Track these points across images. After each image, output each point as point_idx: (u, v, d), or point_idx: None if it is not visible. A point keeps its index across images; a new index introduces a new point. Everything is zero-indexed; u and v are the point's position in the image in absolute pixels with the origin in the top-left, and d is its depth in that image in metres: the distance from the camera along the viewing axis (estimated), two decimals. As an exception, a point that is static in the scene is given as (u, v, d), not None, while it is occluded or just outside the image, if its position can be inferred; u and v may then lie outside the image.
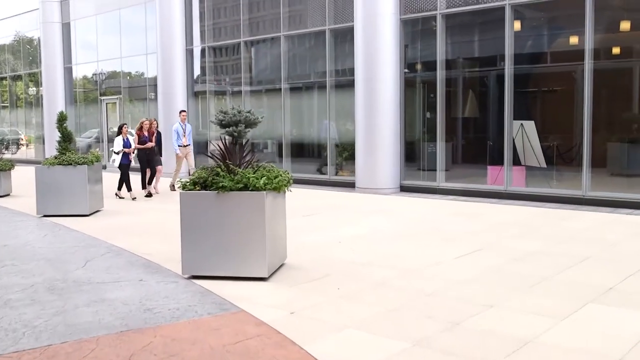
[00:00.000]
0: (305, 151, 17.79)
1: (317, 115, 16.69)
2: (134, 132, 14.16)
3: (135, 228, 9.67)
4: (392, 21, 13.64)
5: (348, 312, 5.21)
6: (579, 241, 8.11)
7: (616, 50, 13.15)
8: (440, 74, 13.41)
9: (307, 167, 16.89)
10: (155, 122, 14.65)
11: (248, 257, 6.24)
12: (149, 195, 13.68)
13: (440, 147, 13.61)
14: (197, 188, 6.32)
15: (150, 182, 13.95)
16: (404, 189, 14.00)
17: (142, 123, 14.04)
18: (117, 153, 13.12)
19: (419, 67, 15.08)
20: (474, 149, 16.35)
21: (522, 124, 12.79)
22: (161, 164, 14.55)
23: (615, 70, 13.11)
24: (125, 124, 13.85)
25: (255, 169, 6.52)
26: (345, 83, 15.51)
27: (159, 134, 14.67)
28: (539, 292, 5.76)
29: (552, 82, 15.59)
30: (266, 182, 6.20)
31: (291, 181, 6.65)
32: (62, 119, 11.08)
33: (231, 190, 6.15)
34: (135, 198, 13.17)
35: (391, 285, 6.03)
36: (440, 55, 13.36)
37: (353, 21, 14.22)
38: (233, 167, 6.34)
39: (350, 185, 14.70)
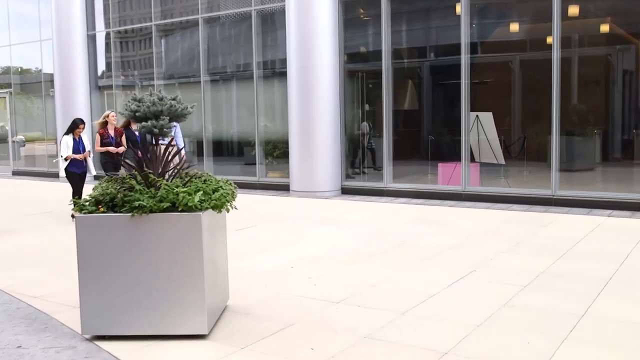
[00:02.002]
0: (228, 150, 15.87)
1: (243, 109, 14.79)
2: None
3: (24, 256, 7.48)
4: (329, 1, 11.93)
5: (340, 397, 3.46)
6: (581, 256, 6.70)
7: (584, 39, 12.17)
8: (386, 62, 11.81)
9: (231, 168, 15.00)
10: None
11: (179, 307, 4.36)
12: None
13: (388, 143, 12.03)
14: (102, 209, 4.38)
15: None
16: (345, 191, 12.36)
17: (107, 117, 10.06)
18: (66, 159, 9.62)
19: (359, 54, 13.52)
20: (412, 144, 15.02)
21: (477, 115, 11.42)
22: None
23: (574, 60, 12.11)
24: (82, 119, 9.97)
25: (186, 179, 4.64)
26: (276, 73, 13.73)
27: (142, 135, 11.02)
28: (588, 339, 4.21)
29: (498, 72, 14.52)
30: (202, 198, 4.34)
31: (236, 194, 4.82)
32: None
33: (152, 211, 4.26)
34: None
35: (385, 338, 4.31)
36: (385, 42, 11.76)
37: (284, 0, 12.41)
38: (154, 178, 4.43)
39: (284, 188, 12.93)
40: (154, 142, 4.64)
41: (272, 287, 5.68)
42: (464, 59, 10.83)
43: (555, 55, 10.03)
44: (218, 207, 4.46)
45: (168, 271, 4.34)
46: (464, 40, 10.82)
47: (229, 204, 4.58)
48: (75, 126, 9.77)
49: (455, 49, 11.24)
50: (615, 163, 15.37)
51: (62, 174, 9.88)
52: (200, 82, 14.70)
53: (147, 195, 4.27)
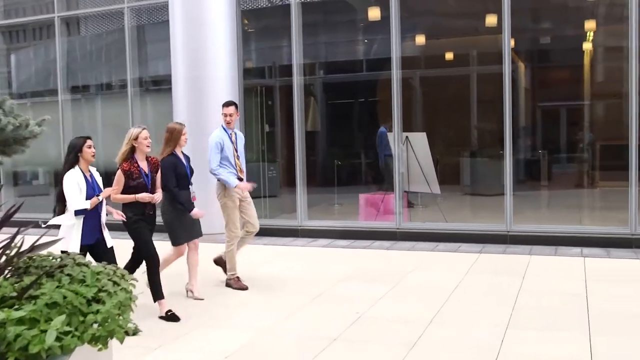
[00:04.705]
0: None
1: (115, 133, 12.05)
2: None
3: None
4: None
5: None
6: (613, 327, 4.93)
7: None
8: (297, 78, 9.67)
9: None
10: (184, 133, 6.16)
11: None
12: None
13: (300, 171, 9.86)
14: None
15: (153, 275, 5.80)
16: (249, 231, 10.04)
17: (135, 139, 5.51)
18: (76, 212, 5.05)
19: (262, 68, 11.46)
20: (320, 171, 13.12)
21: (407, 137, 9.60)
22: (200, 233, 6.40)
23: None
24: (90, 137, 5.18)
25: (31, 277, 2.20)
26: (157, 89, 11.25)
27: (187, 159, 6.38)
28: None
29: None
30: (67, 329, 1.94)
31: (134, 306, 2.45)
32: None
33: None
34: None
35: None
36: (296, 55, 9.65)
37: (166, -3, 9.99)
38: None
39: (170, 231, 10.36)
40: None
41: None
42: (395, 74, 9.00)
43: (506, 70, 8.46)
44: (102, 339, 2.07)
45: None
46: (395, 54, 8.99)
47: (125, 327, 2.20)
48: (78, 149, 5.08)
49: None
50: (523, 186, 14.41)
51: (74, 248, 4.89)
52: (58, 101, 11.79)
53: None
